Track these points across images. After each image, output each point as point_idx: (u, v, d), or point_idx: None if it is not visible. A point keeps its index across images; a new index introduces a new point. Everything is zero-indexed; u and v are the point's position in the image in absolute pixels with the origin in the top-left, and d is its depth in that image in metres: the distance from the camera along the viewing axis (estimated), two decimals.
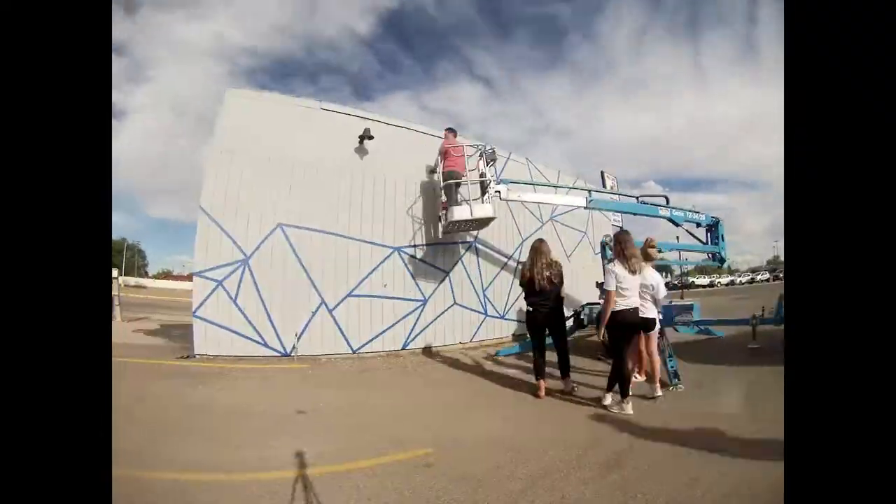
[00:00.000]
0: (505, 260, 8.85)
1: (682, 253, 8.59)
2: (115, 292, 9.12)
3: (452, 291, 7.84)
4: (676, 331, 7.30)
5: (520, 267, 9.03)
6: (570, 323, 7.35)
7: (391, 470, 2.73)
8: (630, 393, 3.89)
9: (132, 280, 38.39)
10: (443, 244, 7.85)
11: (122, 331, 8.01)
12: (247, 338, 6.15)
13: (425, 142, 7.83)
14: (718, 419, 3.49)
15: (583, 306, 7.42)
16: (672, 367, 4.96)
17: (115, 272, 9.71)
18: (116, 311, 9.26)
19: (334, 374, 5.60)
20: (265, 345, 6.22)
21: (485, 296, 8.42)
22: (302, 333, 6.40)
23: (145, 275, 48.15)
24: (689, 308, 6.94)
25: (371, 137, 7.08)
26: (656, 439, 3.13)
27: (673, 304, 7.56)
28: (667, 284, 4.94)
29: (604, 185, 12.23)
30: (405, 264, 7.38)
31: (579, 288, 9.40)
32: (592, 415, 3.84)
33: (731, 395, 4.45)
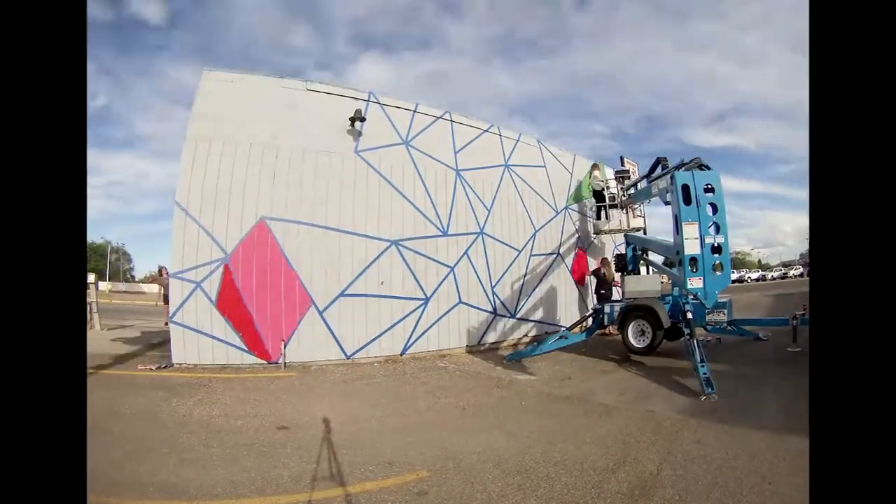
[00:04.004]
0: (516, 253, 8.23)
1: None
2: (92, 299, 8.74)
3: (457, 288, 7.24)
4: (707, 330, 6.63)
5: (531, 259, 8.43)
6: (589, 322, 6.87)
7: (379, 498, 2.36)
8: None
9: (122, 285, 37.62)
10: (446, 236, 7.22)
11: (99, 339, 7.63)
12: (229, 344, 5.77)
13: (423, 122, 7.28)
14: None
15: (602, 305, 7.07)
16: (704, 374, 4.39)
17: (91, 277, 9.21)
18: (96, 319, 8.87)
19: (324, 383, 5.19)
20: (249, 352, 5.82)
21: (494, 293, 7.76)
22: (290, 339, 5.94)
23: (132, 279, 47.68)
24: (723, 306, 6.18)
25: (363, 119, 6.50)
26: None
27: None
28: None
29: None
30: (404, 259, 6.77)
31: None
32: None
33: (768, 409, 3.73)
